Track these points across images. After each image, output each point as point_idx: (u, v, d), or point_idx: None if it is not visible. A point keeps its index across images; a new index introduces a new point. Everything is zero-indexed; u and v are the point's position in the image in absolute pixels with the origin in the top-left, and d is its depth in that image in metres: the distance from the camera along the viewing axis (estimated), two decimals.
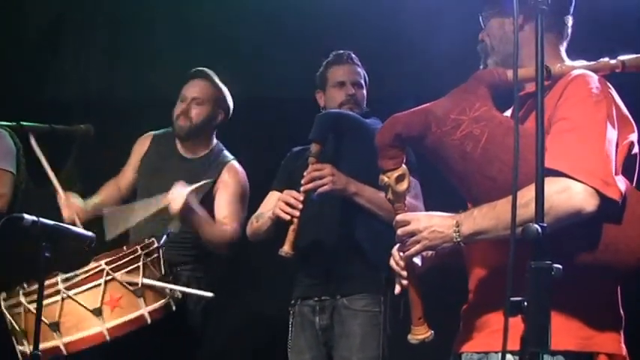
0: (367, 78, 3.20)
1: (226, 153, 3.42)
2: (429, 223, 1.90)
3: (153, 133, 3.49)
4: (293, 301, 3.03)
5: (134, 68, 4.48)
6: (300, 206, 2.74)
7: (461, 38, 2.51)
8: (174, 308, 2.92)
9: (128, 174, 3.48)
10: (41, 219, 2.22)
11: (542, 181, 1.56)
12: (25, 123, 3.36)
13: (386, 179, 1.99)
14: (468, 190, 1.96)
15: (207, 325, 3.28)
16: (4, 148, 3.49)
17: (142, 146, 3.48)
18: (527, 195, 1.65)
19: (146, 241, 2.97)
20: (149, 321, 2.81)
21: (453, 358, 2.06)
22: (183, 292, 2.98)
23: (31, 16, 4.62)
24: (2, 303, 2.85)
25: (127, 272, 2.81)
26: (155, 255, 2.95)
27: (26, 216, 2.18)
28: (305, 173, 2.79)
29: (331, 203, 2.88)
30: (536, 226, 1.55)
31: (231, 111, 3.44)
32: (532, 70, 1.74)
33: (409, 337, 2.05)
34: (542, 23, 1.60)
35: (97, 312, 2.73)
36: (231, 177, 3.32)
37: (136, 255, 2.87)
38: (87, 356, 2.81)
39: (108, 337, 2.75)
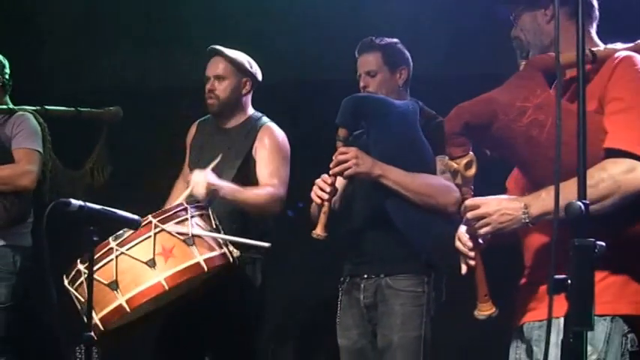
0: (394, 57, 3.07)
1: (264, 118, 3.38)
2: (499, 207, 1.94)
3: (198, 120, 3.51)
4: (342, 279, 3.02)
5: (166, 56, 4.55)
6: (329, 189, 2.73)
7: None
8: (231, 260, 2.89)
9: (187, 166, 3.47)
10: (88, 203, 2.21)
11: (585, 159, 1.57)
12: (49, 107, 3.47)
13: (455, 165, 2.06)
14: (534, 174, 2.01)
15: (266, 289, 3.27)
16: (29, 129, 3.58)
17: (189, 135, 3.50)
18: (594, 176, 1.76)
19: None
20: (206, 269, 2.76)
21: (514, 331, 2.09)
22: (238, 246, 2.93)
23: (68, 6, 4.64)
24: (65, 281, 2.82)
25: (176, 223, 2.80)
26: (204, 211, 2.94)
27: (73, 201, 2.16)
28: (333, 157, 2.78)
29: (376, 185, 2.83)
30: (579, 203, 1.55)
31: (257, 75, 3.39)
32: (574, 55, 1.76)
33: (475, 313, 2.09)
34: (583, 11, 1.63)
35: (152, 263, 2.71)
36: (268, 137, 3.29)
37: (182, 208, 2.86)
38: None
39: (167, 287, 2.70)
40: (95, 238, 2.26)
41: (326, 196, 2.72)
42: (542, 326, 1.92)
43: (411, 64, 3.14)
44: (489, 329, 2.25)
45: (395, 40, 3.14)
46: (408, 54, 3.14)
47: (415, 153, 2.89)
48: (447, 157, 2.78)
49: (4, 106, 3.62)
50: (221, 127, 3.40)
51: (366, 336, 2.94)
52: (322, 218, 2.70)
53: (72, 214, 2.15)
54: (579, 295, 1.54)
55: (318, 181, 2.78)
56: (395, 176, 2.78)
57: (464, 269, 2.11)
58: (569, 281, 1.54)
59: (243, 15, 4.32)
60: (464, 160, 2.05)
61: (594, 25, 2.09)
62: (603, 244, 1.54)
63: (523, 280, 2.10)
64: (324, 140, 2.88)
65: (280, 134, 3.34)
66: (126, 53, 4.68)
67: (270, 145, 3.28)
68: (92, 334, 2.24)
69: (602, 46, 2.04)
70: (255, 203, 3.17)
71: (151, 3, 4.63)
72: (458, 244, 2.09)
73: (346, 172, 2.76)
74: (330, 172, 2.76)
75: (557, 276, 1.55)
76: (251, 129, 3.33)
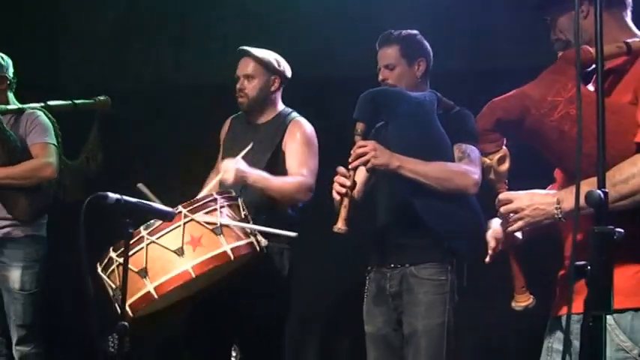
0: (412, 49, 3.08)
1: (294, 113, 3.44)
2: (531, 202, 1.95)
3: (232, 116, 3.59)
4: (369, 268, 3.06)
5: (200, 55, 4.63)
6: (348, 183, 2.72)
7: None
8: (258, 249, 2.94)
9: (220, 160, 3.51)
10: (124, 197, 2.25)
11: (604, 150, 1.59)
12: (51, 102, 3.65)
13: (488, 161, 2.09)
14: (568, 168, 2.01)
15: (293, 278, 3.32)
16: (43, 125, 3.75)
17: (223, 130, 3.58)
18: (625, 171, 1.73)
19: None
20: (232, 257, 2.81)
21: (550, 321, 2.09)
22: (266, 236, 2.99)
23: (105, 8, 4.75)
24: (98, 268, 2.89)
25: (205, 213, 2.86)
26: (233, 202, 2.99)
27: (110, 194, 2.21)
28: (352, 151, 2.79)
29: (400, 178, 2.84)
30: (599, 192, 1.56)
31: (286, 73, 3.45)
32: (612, 48, 1.78)
33: (513, 304, 2.12)
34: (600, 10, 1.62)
35: (180, 252, 2.77)
36: (297, 130, 3.35)
37: (212, 199, 2.91)
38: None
39: (194, 274, 2.75)
40: (130, 230, 2.33)
41: (342, 190, 2.73)
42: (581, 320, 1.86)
43: (431, 55, 3.14)
44: (510, 315, 2.28)
45: (414, 31, 3.15)
46: (427, 45, 3.15)
47: (433, 142, 2.92)
48: (463, 145, 2.86)
49: (14, 107, 3.75)
50: (252, 123, 3.47)
51: (390, 324, 2.98)
52: (343, 212, 2.72)
53: (109, 207, 2.21)
54: (598, 280, 1.56)
55: (337, 177, 2.79)
56: (413, 166, 2.80)
57: (488, 259, 2.14)
58: (588, 267, 1.56)
59: (271, 13, 4.37)
60: (497, 156, 2.08)
61: (628, 12, 2.06)
62: (622, 230, 1.54)
63: (562, 271, 2.09)
64: (344, 138, 2.89)
65: (309, 128, 3.40)
66: (161, 52, 4.78)
67: (300, 138, 3.34)
68: (126, 323, 2.30)
69: (639, 36, 2.00)
70: (285, 191, 3.22)
71: (185, 3, 4.72)
72: (489, 236, 2.12)
73: (367, 166, 2.78)
74: (349, 166, 2.78)
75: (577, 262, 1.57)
76: (281, 123, 3.39)
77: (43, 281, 3.80)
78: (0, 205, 3.74)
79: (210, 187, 3.21)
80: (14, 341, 3.72)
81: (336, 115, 3.97)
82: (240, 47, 3.46)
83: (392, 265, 2.97)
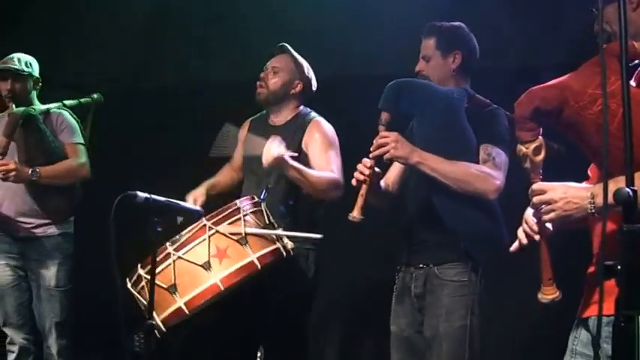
0: (448, 41, 2.98)
1: (313, 113, 3.41)
2: (565, 194, 1.90)
3: (251, 118, 3.57)
4: (398, 267, 3.01)
5: (226, 55, 4.65)
6: (367, 172, 2.69)
7: None
8: (284, 255, 2.92)
9: (236, 157, 3.56)
10: (153, 195, 2.31)
11: (632, 148, 1.58)
12: (66, 102, 3.77)
13: (524, 149, 2.03)
14: (603, 163, 1.92)
15: (319, 280, 3.30)
16: (71, 125, 3.87)
17: (243, 131, 3.55)
18: None
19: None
20: (259, 266, 2.80)
21: (577, 323, 2.05)
22: (291, 239, 2.98)
23: (132, 9, 4.77)
24: (128, 284, 2.90)
25: (229, 224, 2.84)
26: (256, 208, 2.97)
27: (139, 193, 2.27)
28: (374, 140, 2.75)
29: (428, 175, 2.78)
30: (627, 189, 1.55)
31: (312, 83, 3.44)
32: None
33: (539, 296, 2.07)
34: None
35: (207, 265, 2.77)
36: (317, 130, 3.32)
37: (235, 208, 2.90)
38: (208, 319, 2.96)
39: (222, 287, 2.75)
40: (159, 229, 2.35)
41: (361, 177, 2.70)
42: (611, 322, 1.79)
43: (472, 49, 3.02)
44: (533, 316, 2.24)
45: (456, 23, 3.04)
46: (468, 39, 3.02)
47: (457, 140, 2.84)
48: (489, 146, 2.79)
49: (45, 107, 3.82)
50: (271, 124, 3.45)
51: (413, 325, 2.92)
52: (359, 201, 2.68)
53: (138, 206, 2.23)
54: (628, 280, 1.54)
55: (359, 164, 2.76)
56: (433, 163, 2.74)
57: (514, 247, 2.11)
58: (618, 267, 1.55)
59: (298, 12, 4.37)
60: (533, 145, 2.03)
61: None
62: None
63: (591, 269, 2.05)
64: (368, 136, 2.86)
65: (329, 127, 3.37)
66: (188, 52, 4.81)
67: (321, 138, 3.31)
68: (152, 321, 2.32)
69: None
70: (319, 184, 3.18)
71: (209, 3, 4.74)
72: (523, 226, 2.07)
73: (385, 156, 2.74)
74: (370, 155, 2.74)
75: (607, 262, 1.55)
76: (300, 124, 3.36)
77: (74, 278, 3.89)
78: (35, 204, 3.82)
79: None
80: (52, 337, 3.79)
81: (350, 113, 3.98)
82: (281, 44, 3.46)
83: (420, 265, 2.92)
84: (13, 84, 3.82)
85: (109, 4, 4.78)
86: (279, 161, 3.07)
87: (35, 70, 3.91)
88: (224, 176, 3.59)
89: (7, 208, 3.83)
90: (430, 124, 2.84)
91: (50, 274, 3.81)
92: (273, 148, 3.07)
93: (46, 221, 3.84)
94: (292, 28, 4.19)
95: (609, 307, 1.74)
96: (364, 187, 2.70)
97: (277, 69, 3.41)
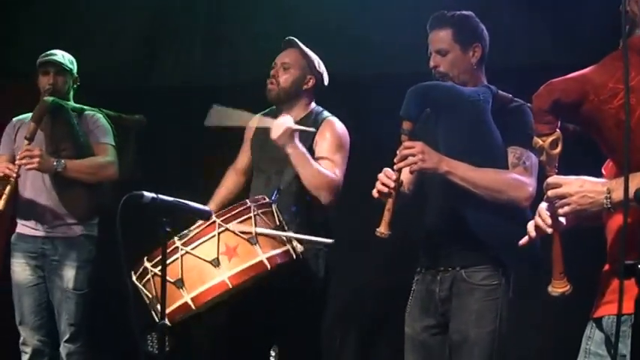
0: (467, 33, 2.80)
1: (325, 112, 3.34)
2: (581, 188, 1.87)
3: (259, 114, 3.44)
4: (418, 269, 2.91)
5: (233, 54, 4.64)
6: (392, 185, 2.58)
7: None
8: (294, 256, 2.88)
9: (242, 157, 3.51)
10: (160, 195, 2.26)
11: None
12: (105, 110, 3.84)
13: (540, 142, 2.00)
14: (620, 159, 1.91)
15: (330, 279, 3.26)
16: (104, 127, 3.83)
17: (249, 128, 3.46)
18: None
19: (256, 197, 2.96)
20: (269, 267, 2.76)
21: (590, 322, 2.01)
22: (302, 242, 2.94)
23: (137, 10, 4.77)
24: (133, 277, 2.86)
25: (240, 222, 2.81)
26: (267, 209, 2.93)
27: (146, 193, 2.22)
28: (397, 151, 2.62)
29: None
30: None
31: (324, 77, 3.36)
32: None
33: (549, 289, 2.04)
34: None
35: (216, 262, 2.73)
36: (329, 130, 3.25)
37: (246, 207, 2.86)
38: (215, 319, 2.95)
39: (230, 285, 2.72)
40: (167, 229, 2.31)
41: (386, 191, 2.59)
42: (627, 321, 1.80)
43: (487, 40, 2.86)
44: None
45: (468, 13, 2.87)
46: (483, 29, 2.86)
47: (485, 146, 2.71)
48: (519, 150, 2.70)
49: (78, 106, 3.82)
50: None
51: (430, 329, 2.84)
52: (386, 216, 2.58)
53: (145, 206, 2.21)
54: None
55: (381, 175, 2.64)
56: (462, 172, 2.62)
57: (523, 240, 2.09)
58: (639, 266, 1.52)
59: (307, 10, 4.34)
60: (550, 138, 1.99)
61: None
62: None
63: (606, 267, 2.01)
64: (385, 136, 2.80)
65: (342, 128, 3.30)
66: (192, 51, 4.79)
67: (331, 138, 3.24)
68: (166, 322, 2.31)
69: None
70: (316, 178, 3.11)
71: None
72: (536, 219, 2.04)
73: (412, 168, 2.61)
74: (395, 167, 2.61)
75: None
76: (312, 122, 3.29)
77: (94, 282, 3.84)
78: (57, 204, 3.79)
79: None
80: (64, 338, 3.76)
81: (369, 114, 3.95)
82: (288, 37, 3.39)
83: (442, 268, 2.81)
84: (55, 77, 3.80)
85: (109, 3, 4.76)
86: (288, 133, 3.02)
87: (75, 68, 3.89)
88: (228, 186, 3.52)
89: (31, 200, 3.81)
90: (457, 131, 2.71)
91: (68, 276, 3.77)
92: (285, 120, 3.03)
93: (65, 222, 3.80)
94: (298, 26, 4.17)
95: (627, 306, 1.72)
96: (390, 200, 2.59)
97: (287, 65, 3.33)
